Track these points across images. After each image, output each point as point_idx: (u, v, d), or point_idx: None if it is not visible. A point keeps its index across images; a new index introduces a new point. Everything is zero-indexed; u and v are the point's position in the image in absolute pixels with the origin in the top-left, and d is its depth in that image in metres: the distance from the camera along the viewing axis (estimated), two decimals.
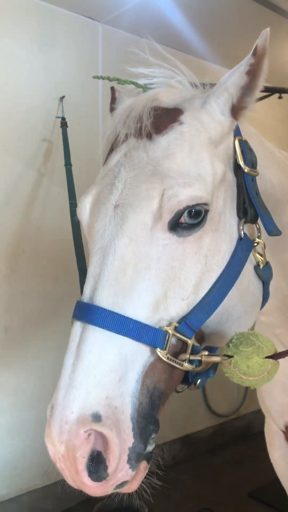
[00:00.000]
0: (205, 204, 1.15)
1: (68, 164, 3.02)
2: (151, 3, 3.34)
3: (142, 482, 1.10)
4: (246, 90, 1.22)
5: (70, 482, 1.06)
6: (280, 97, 3.88)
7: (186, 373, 1.16)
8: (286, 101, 4.21)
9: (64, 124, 3.27)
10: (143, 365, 1.07)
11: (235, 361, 1.09)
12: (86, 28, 3.67)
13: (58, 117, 3.37)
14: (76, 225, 2.40)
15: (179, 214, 1.13)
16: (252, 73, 1.19)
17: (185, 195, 1.12)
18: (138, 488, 1.10)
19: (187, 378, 1.17)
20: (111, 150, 1.29)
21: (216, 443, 4.57)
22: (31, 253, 3.38)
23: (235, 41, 3.58)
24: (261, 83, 1.20)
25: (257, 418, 4.92)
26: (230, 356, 1.10)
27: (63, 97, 3.46)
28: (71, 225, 2.42)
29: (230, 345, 1.12)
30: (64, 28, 3.53)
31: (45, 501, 3.46)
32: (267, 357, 1.08)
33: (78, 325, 1.11)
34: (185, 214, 1.13)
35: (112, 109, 1.45)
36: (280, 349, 1.33)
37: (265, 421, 2.06)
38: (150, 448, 1.09)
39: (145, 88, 1.33)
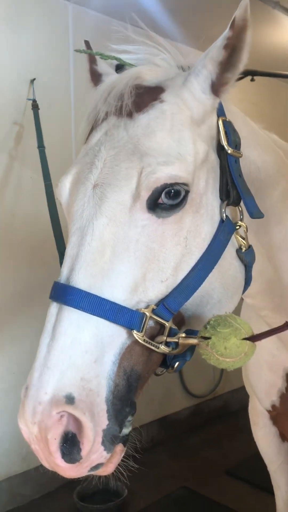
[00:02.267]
0: (185, 184, 1.14)
1: (41, 146, 2.96)
2: None
3: (119, 465, 1.10)
4: (226, 65, 1.18)
5: (45, 463, 1.06)
6: (252, 80, 3.89)
7: (164, 356, 1.15)
8: (258, 84, 4.22)
9: (35, 106, 3.20)
10: (119, 347, 1.07)
11: (213, 343, 1.09)
12: (56, 8, 3.58)
13: (29, 99, 3.30)
14: (53, 206, 2.36)
15: (156, 192, 1.11)
16: (231, 46, 1.16)
17: (164, 173, 1.11)
18: (115, 471, 1.10)
19: (165, 361, 1.17)
20: (92, 128, 1.27)
21: (193, 423, 4.64)
22: (5, 240, 3.33)
23: (208, 22, 3.55)
24: (244, 56, 1.17)
25: (233, 398, 5.02)
26: (207, 338, 1.10)
27: (34, 79, 3.39)
28: (48, 207, 2.39)
29: (208, 326, 1.11)
30: (33, 7, 3.44)
31: (24, 487, 3.47)
32: (244, 338, 1.09)
33: (54, 306, 1.09)
34: (164, 194, 1.11)
35: (92, 81, 1.41)
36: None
37: (250, 400, 2.09)
38: (126, 430, 1.08)
39: (128, 64, 1.30)
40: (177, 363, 1.17)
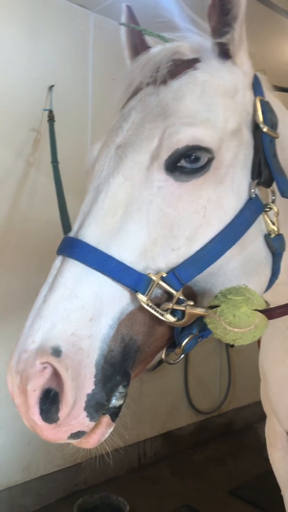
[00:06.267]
0: (208, 150, 1.10)
1: (55, 161, 2.92)
2: None
3: (104, 441, 1.03)
4: (221, 29, 1.19)
5: (25, 421, 1.01)
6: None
7: (171, 335, 1.09)
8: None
9: (51, 118, 3.17)
10: (119, 311, 1.01)
11: (221, 310, 1.01)
12: (77, 16, 3.59)
13: (45, 110, 3.29)
14: (66, 221, 2.33)
15: (177, 154, 1.08)
16: (214, 13, 1.18)
17: (187, 134, 1.08)
18: (98, 446, 1.04)
19: (173, 343, 1.10)
20: (129, 99, 1.26)
21: (197, 440, 4.56)
22: (16, 245, 3.31)
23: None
24: (239, 9, 1.16)
25: (238, 416, 4.94)
26: (216, 307, 1.03)
27: (52, 86, 3.39)
28: (61, 222, 2.34)
29: (218, 295, 1.04)
30: (54, 15, 3.45)
31: (25, 498, 3.40)
32: (257, 310, 1.01)
33: (59, 259, 1.07)
34: (184, 156, 1.08)
35: (128, 55, 1.43)
36: None
37: (267, 421, 2.01)
38: (116, 402, 1.01)
39: (171, 41, 1.30)
40: (185, 340, 1.08)
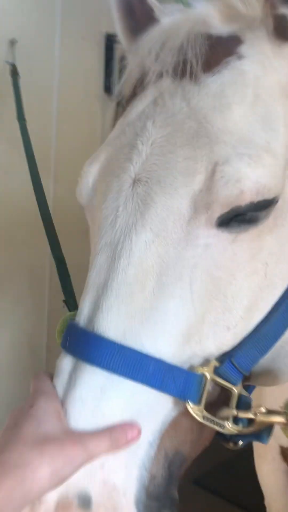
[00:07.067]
0: (276, 198, 0.79)
1: (22, 119, 2.54)
2: None
3: None
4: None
5: None
6: None
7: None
8: None
9: (15, 73, 2.80)
10: (161, 421, 0.75)
11: None
12: None
13: (7, 62, 2.89)
14: (41, 196, 1.83)
15: (235, 211, 0.76)
16: None
17: (250, 182, 0.74)
18: None
19: (222, 434, 0.82)
20: (133, 95, 0.90)
21: None
22: None
23: None
24: None
25: None
26: None
27: (14, 40, 2.98)
28: (36, 200, 1.91)
29: None
30: None
31: None
32: None
33: (68, 360, 0.77)
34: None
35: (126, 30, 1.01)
36: None
37: None
38: None
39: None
40: (241, 442, 0.83)
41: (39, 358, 3.23)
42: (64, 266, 1.29)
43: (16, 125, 2.55)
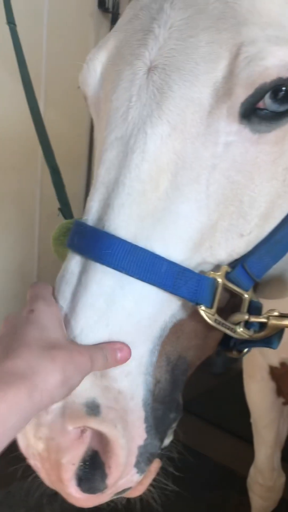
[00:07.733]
0: None
1: (11, 22, 2.31)
2: None
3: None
4: None
5: (49, 484, 0.75)
6: None
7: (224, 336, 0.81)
8: None
9: None
10: (161, 327, 0.73)
11: None
12: None
13: None
14: (33, 101, 1.57)
15: (261, 91, 0.68)
16: None
17: (277, 59, 0.67)
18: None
19: (226, 341, 0.82)
20: None
21: None
22: None
23: None
24: None
25: None
26: None
27: None
28: (28, 104, 1.72)
29: None
30: None
31: None
32: None
33: (76, 260, 0.73)
34: (270, 94, 0.69)
35: None
36: None
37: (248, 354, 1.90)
38: (167, 441, 0.79)
39: None
40: (246, 349, 0.82)
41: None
42: (59, 175, 1.24)
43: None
